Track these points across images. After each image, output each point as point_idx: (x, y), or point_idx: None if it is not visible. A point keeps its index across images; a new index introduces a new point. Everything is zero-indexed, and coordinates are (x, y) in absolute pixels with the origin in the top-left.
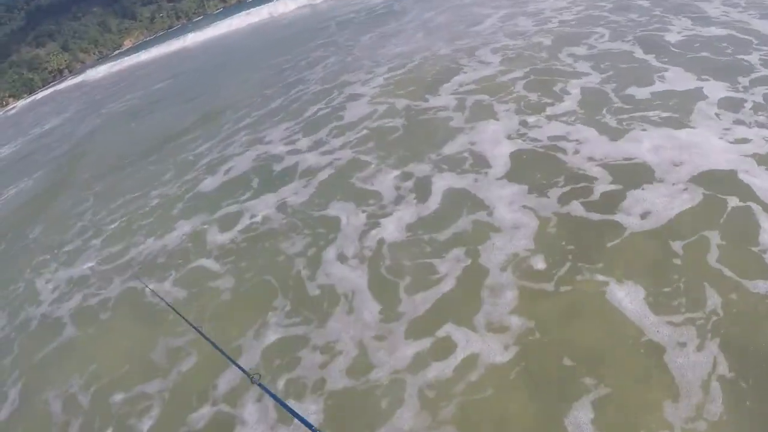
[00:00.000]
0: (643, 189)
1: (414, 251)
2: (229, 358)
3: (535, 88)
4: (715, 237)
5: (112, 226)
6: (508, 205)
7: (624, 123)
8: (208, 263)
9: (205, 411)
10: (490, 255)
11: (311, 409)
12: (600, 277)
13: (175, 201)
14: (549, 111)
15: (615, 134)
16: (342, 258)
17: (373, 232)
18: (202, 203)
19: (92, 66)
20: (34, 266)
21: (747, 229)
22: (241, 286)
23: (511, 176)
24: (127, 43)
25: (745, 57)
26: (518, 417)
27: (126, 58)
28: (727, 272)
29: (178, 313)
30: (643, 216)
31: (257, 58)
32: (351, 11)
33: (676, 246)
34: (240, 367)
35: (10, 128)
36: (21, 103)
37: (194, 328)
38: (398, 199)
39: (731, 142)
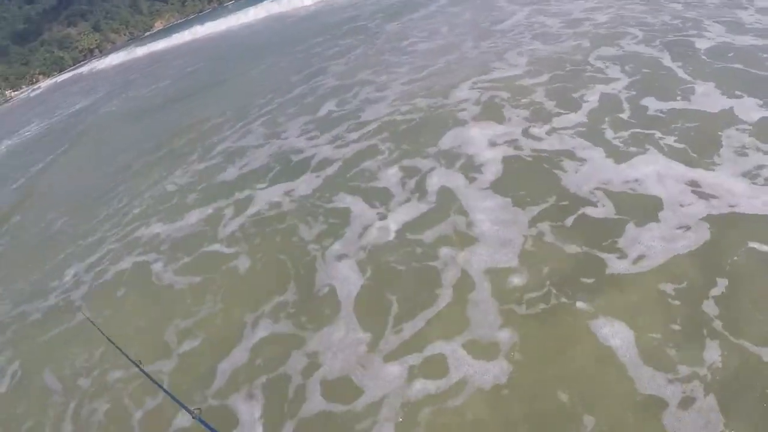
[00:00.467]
0: (640, 224)
1: (402, 253)
2: (171, 396)
3: (554, 94)
4: (713, 286)
5: (135, 210)
6: (488, 217)
7: (635, 144)
8: (218, 248)
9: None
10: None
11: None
12: (584, 312)
13: (194, 186)
14: (560, 121)
15: (622, 156)
16: (340, 257)
17: (376, 226)
18: (220, 189)
19: (123, 47)
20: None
21: (754, 283)
22: (245, 272)
23: (498, 187)
24: (158, 25)
25: None
26: None
27: (156, 42)
28: (726, 324)
29: (118, 347)
30: (639, 256)
31: (284, 44)
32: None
33: (668, 289)
34: (181, 404)
35: (39, 105)
36: (50, 81)
37: (135, 364)
38: (397, 197)
39: (759, 184)
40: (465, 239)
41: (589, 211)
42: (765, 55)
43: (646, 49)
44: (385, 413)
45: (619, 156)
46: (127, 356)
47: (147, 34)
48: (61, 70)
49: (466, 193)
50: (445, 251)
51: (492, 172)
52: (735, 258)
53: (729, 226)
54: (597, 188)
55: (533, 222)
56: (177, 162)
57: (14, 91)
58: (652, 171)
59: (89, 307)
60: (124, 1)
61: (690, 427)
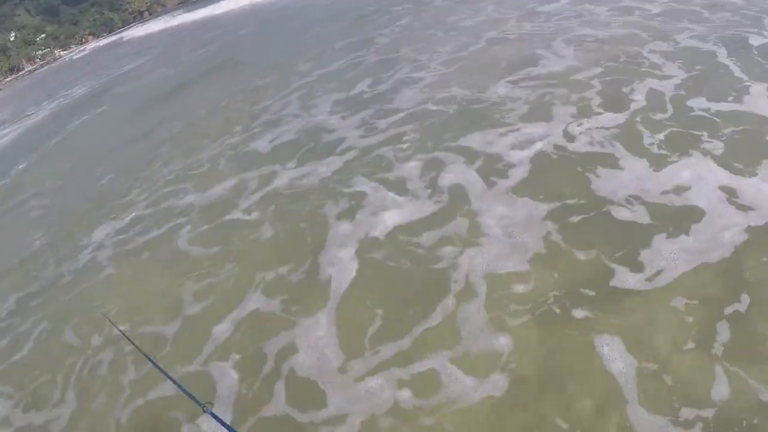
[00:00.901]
0: (667, 235)
1: (405, 251)
2: (180, 387)
3: (599, 90)
4: (734, 309)
5: (169, 176)
6: (501, 221)
7: (678, 148)
8: (239, 217)
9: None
10: (472, 276)
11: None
12: (589, 329)
13: (228, 155)
14: (601, 120)
15: (662, 162)
16: (346, 244)
17: (385, 219)
18: (250, 161)
19: (173, 10)
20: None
21: None
22: (257, 245)
23: (522, 189)
24: None
25: None
26: None
27: (206, 6)
28: (739, 355)
29: (135, 345)
30: (658, 271)
31: (337, 11)
32: None
33: (684, 308)
34: (191, 396)
35: (87, 65)
36: (99, 42)
37: (147, 357)
38: (414, 192)
39: None
40: (474, 242)
41: (617, 218)
42: None
43: (702, 44)
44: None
45: (658, 161)
46: (141, 350)
47: None
48: (110, 32)
49: (486, 195)
50: (449, 254)
51: (518, 173)
52: (762, 277)
53: (762, 243)
54: (629, 195)
55: (552, 228)
56: (217, 129)
57: (63, 51)
58: (691, 178)
59: (115, 267)
60: None
61: None
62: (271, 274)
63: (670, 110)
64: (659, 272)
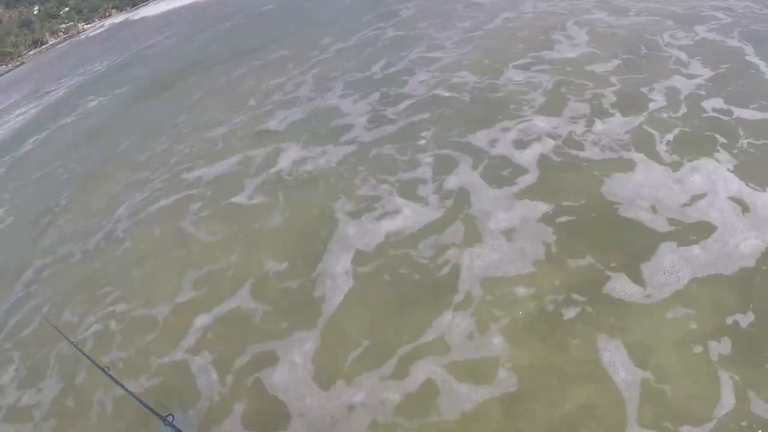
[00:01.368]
0: (673, 247)
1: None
2: (138, 400)
3: (612, 85)
4: (736, 325)
5: (184, 150)
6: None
7: (695, 156)
8: (244, 201)
9: None
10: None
11: None
12: (590, 337)
13: (240, 131)
14: (614, 122)
15: (677, 169)
16: (345, 245)
17: (384, 220)
18: (261, 139)
19: None
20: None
21: None
22: (260, 233)
23: (527, 192)
24: None
25: None
26: None
27: None
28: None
29: (85, 354)
30: (661, 284)
31: None
32: None
33: (687, 322)
34: (150, 409)
35: (108, 40)
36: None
37: (101, 369)
38: (417, 189)
39: None
40: (475, 246)
41: (624, 225)
42: None
43: (728, 39)
44: None
45: (673, 168)
46: (95, 363)
47: None
48: (133, 5)
49: (488, 196)
50: (450, 258)
51: (525, 173)
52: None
53: None
54: (639, 203)
55: (555, 233)
56: (233, 104)
57: (87, 24)
58: (706, 188)
59: (132, 239)
60: None
61: None
62: (272, 265)
63: (691, 114)
64: (664, 283)
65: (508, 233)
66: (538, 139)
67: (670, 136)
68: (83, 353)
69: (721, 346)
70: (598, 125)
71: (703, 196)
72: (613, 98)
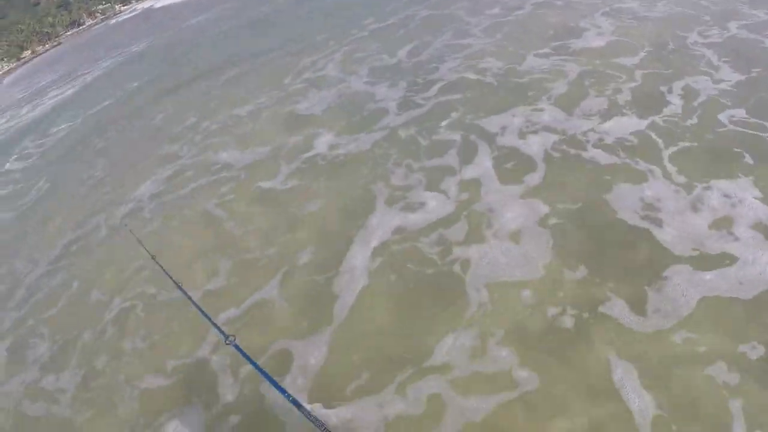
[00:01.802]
0: (683, 268)
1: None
2: (208, 318)
3: (634, 83)
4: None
5: (212, 127)
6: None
7: (710, 168)
8: (273, 185)
9: None
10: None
11: None
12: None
13: (269, 113)
14: (628, 123)
15: (690, 181)
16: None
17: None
18: (290, 123)
19: None
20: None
21: None
22: (286, 221)
23: (534, 192)
24: None
25: None
26: None
27: None
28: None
29: (161, 267)
30: (670, 308)
31: None
32: None
33: (699, 344)
34: (218, 327)
35: (143, 23)
36: None
37: (175, 282)
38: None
39: None
40: (483, 247)
41: (626, 238)
42: None
43: (763, 38)
44: None
45: (686, 179)
46: (170, 276)
47: None
48: None
49: (500, 195)
50: (457, 257)
51: (535, 171)
52: None
53: None
54: (647, 215)
55: (553, 238)
56: (266, 83)
57: (124, 5)
58: (719, 204)
59: (161, 220)
60: None
61: None
62: (296, 260)
63: (712, 122)
64: (673, 302)
65: (511, 234)
66: (552, 135)
67: (689, 147)
68: (160, 266)
69: (737, 366)
70: (613, 125)
71: (718, 212)
72: (631, 97)
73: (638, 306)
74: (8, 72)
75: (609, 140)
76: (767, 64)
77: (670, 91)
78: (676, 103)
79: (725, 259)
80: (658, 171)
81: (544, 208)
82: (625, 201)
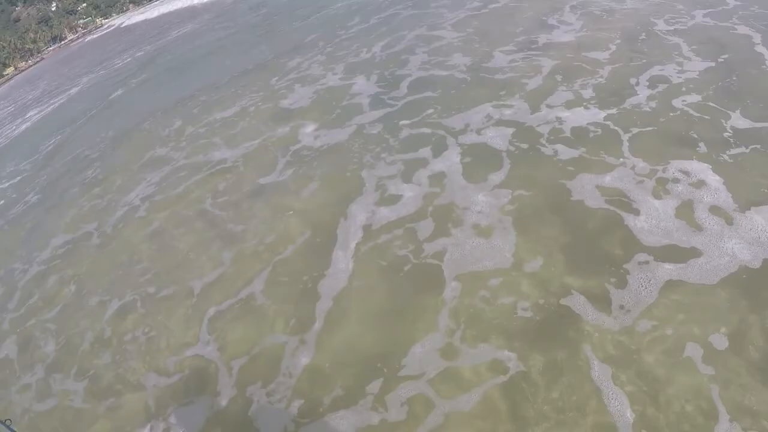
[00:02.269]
0: (660, 270)
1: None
2: None
3: (601, 74)
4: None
5: (201, 130)
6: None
7: (675, 161)
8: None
9: None
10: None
11: None
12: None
13: (259, 110)
14: (591, 115)
15: (648, 172)
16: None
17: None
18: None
19: None
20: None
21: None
22: (271, 224)
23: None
24: None
25: None
26: None
27: None
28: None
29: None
30: (644, 307)
31: None
32: None
33: (676, 338)
34: None
35: (126, 35)
36: (138, 11)
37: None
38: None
39: None
40: (453, 241)
41: (599, 229)
42: None
43: (734, 25)
44: None
45: (644, 169)
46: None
47: None
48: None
49: (466, 191)
50: (436, 249)
51: (501, 173)
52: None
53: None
54: (609, 207)
55: (526, 232)
56: (257, 84)
57: (105, 19)
58: (683, 193)
59: (158, 217)
60: None
61: None
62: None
63: (679, 114)
64: (637, 291)
65: (478, 228)
66: (519, 129)
67: (641, 133)
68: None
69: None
70: (577, 119)
71: (680, 203)
72: (597, 93)
73: (606, 296)
74: None
75: (575, 132)
76: (736, 49)
77: (636, 85)
78: (642, 94)
79: (691, 246)
80: (622, 159)
81: (512, 200)
82: (590, 190)
